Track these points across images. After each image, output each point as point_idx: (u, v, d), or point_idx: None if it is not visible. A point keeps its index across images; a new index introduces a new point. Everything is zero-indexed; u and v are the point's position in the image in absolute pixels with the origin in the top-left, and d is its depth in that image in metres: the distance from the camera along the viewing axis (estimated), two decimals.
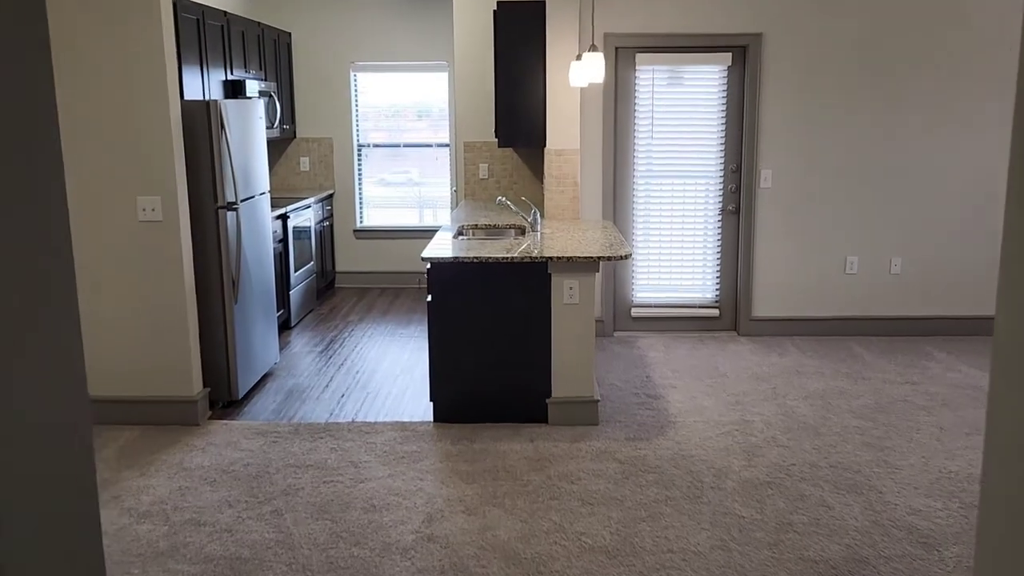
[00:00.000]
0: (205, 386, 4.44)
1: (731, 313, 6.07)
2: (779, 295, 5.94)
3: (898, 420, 4.34)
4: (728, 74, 5.76)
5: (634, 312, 6.07)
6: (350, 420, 4.43)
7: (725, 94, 5.79)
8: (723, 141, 5.85)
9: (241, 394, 4.62)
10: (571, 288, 4.19)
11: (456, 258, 4.11)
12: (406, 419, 4.42)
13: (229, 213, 4.43)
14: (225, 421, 4.39)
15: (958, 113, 5.68)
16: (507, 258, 4.10)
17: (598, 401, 4.33)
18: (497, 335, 4.25)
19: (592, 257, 4.09)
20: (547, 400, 4.31)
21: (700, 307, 6.08)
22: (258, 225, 4.91)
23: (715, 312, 6.06)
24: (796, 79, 5.67)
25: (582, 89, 5.53)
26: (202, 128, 4.27)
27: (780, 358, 5.45)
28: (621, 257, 4.09)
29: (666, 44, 5.68)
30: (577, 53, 5.11)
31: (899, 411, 4.46)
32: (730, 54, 5.70)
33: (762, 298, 5.95)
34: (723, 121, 5.82)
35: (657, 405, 4.61)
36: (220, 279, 4.41)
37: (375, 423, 4.37)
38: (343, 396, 4.80)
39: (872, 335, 5.93)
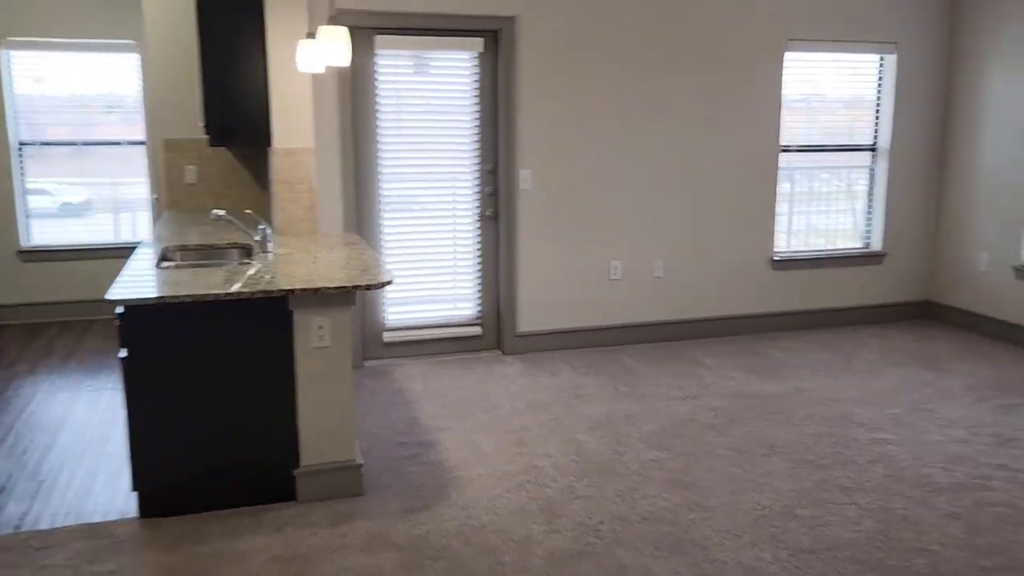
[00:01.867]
0: None
1: (494, 330, 5.46)
2: (544, 307, 5.43)
3: (692, 445, 3.94)
4: (480, 62, 5.11)
5: (386, 337, 5.24)
6: (12, 531, 3.15)
7: (478, 85, 5.13)
8: (477, 138, 5.19)
9: None
10: (321, 328, 3.26)
11: (160, 299, 3.01)
12: (98, 518, 3.23)
13: None
14: None
15: (720, 111, 5.52)
16: (232, 294, 3.08)
17: (361, 465, 3.45)
18: (222, 394, 3.21)
19: (346, 287, 3.19)
20: (294, 472, 3.35)
21: (461, 326, 5.40)
22: None
23: (477, 330, 5.41)
24: (554, 69, 5.16)
25: (314, 77, 4.58)
26: None
27: (553, 379, 4.91)
28: (381, 284, 3.24)
29: (409, 25, 4.90)
30: (307, 30, 4.16)
31: (690, 434, 4.08)
32: (481, 39, 5.05)
33: (527, 312, 5.40)
34: (476, 115, 5.16)
35: (430, 456, 3.83)
36: None
37: (51, 531, 3.13)
38: (2, 491, 3.47)
39: (639, 343, 5.63)
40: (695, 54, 5.40)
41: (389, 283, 3.22)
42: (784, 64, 5.60)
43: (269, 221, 4.66)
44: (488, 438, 4.04)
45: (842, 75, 5.91)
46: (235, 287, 3.11)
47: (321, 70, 4.08)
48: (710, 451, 3.88)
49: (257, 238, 3.86)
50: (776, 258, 5.86)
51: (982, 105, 5.75)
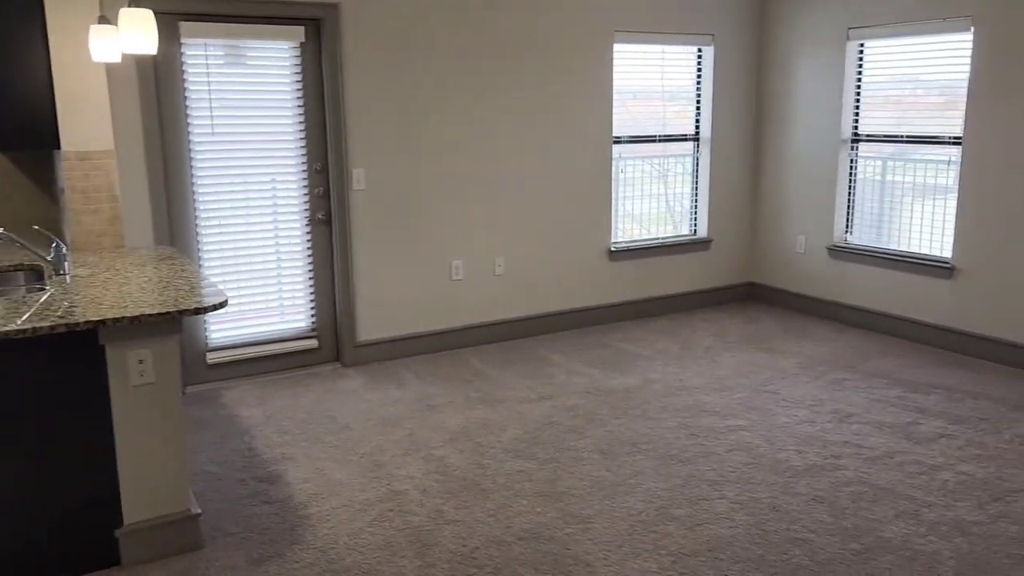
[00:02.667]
0: None
1: (332, 342, 5.07)
2: (384, 313, 5.11)
3: (556, 451, 3.80)
4: (302, 53, 4.69)
5: (211, 358, 4.72)
6: None
7: (300, 78, 4.71)
8: (303, 136, 4.78)
9: None
10: (141, 362, 2.79)
11: None
12: None
13: None
14: None
15: (552, 104, 5.41)
16: (25, 331, 2.55)
17: (198, 515, 3.01)
18: (19, 451, 2.67)
19: (171, 311, 2.74)
20: (117, 533, 2.86)
21: (294, 339, 4.97)
22: None
23: (313, 343, 5.01)
24: (383, 61, 4.83)
25: (111, 70, 3.99)
26: None
27: (401, 390, 4.62)
28: (214, 306, 2.81)
29: (219, 11, 4.39)
30: (98, 14, 3.58)
31: (551, 439, 3.94)
32: (302, 28, 4.64)
33: (366, 319, 5.06)
34: (301, 111, 4.74)
35: (277, 492, 3.43)
36: None
37: None
38: None
39: (485, 343, 5.45)
40: (524, 46, 5.27)
41: (224, 304, 2.80)
42: (613, 55, 5.60)
43: (63, 237, 4.02)
44: (339, 464, 3.69)
45: (667, 66, 6.01)
46: (30, 323, 2.58)
47: (118, 59, 3.53)
48: (575, 456, 3.76)
49: (50, 258, 3.27)
50: (613, 249, 5.88)
51: (791, 95, 6.05)
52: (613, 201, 5.85)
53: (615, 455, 3.76)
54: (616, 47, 5.63)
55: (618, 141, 5.81)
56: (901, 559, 2.87)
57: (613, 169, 5.79)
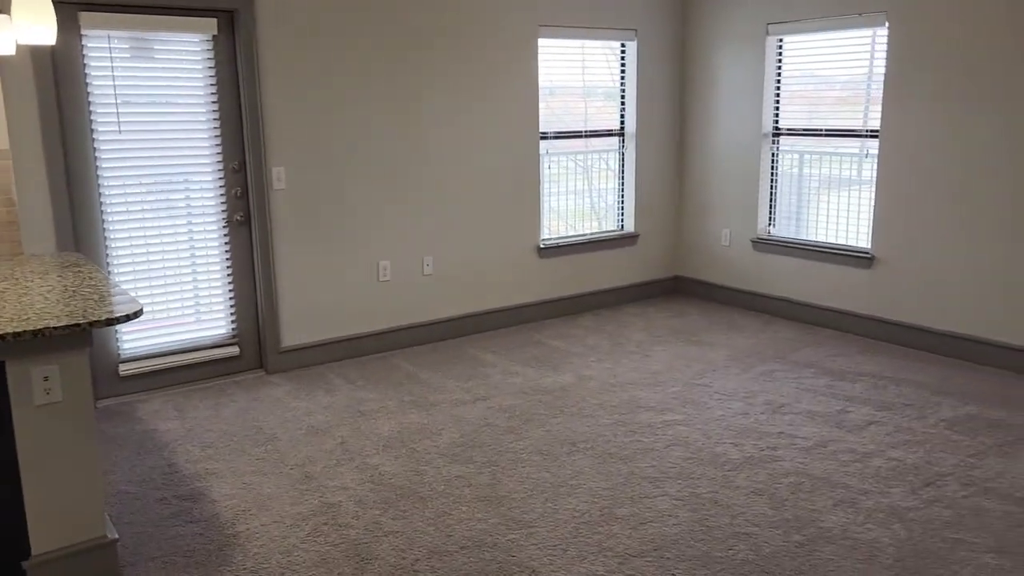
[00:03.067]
0: None
1: (255, 348, 4.86)
2: (310, 317, 4.92)
3: (494, 454, 3.71)
4: (215, 46, 4.46)
5: (123, 370, 4.45)
6: None
7: (214, 72, 4.48)
8: (218, 133, 4.55)
9: None
10: (47, 379, 2.57)
11: None
12: None
13: None
14: None
15: (478, 100, 5.30)
16: None
17: (116, 540, 2.80)
18: None
19: (80, 323, 2.53)
20: (25, 564, 2.63)
21: (214, 347, 4.74)
22: None
23: (234, 350, 4.78)
24: (301, 55, 4.64)
25: (3, 60, 3.70)
26: None
27: (330, 396, 4.45)
28: (127, 317, 2.61)
29: (121, 1, 4.13)
30: None
31: (489, 441, 3.85)
32: (214, 20, 4.41)
33: (291, 324, 4.86)
34: (215, 107, 4.51)
35: (201, 510, 3.23)
36: None
37: None
38: None
39: (416, 345, 5.31)
40: (449, 40, 5.15)
41: (139, 314, 2.61)
42: (538, 50, 5.53)
43: None
44: (268, 477, 3.52)
45: (592, 61, 5.98)
46: None
47: (11, 51, 3.26)
48: (514, 457, 3.67)
49: None
50: (542, 246, 5.82)
51: (714, 90, 6.11)
52: (542, 197, 5.80)
53: (554, 455, 3.69)
54: (541, 41, 5.57)
55: (545, 137, 5.75)
56: (843, 549, 2.89)
57: (541, 165, 5.73)
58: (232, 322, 4.77)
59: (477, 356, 5.11)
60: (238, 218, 4.66)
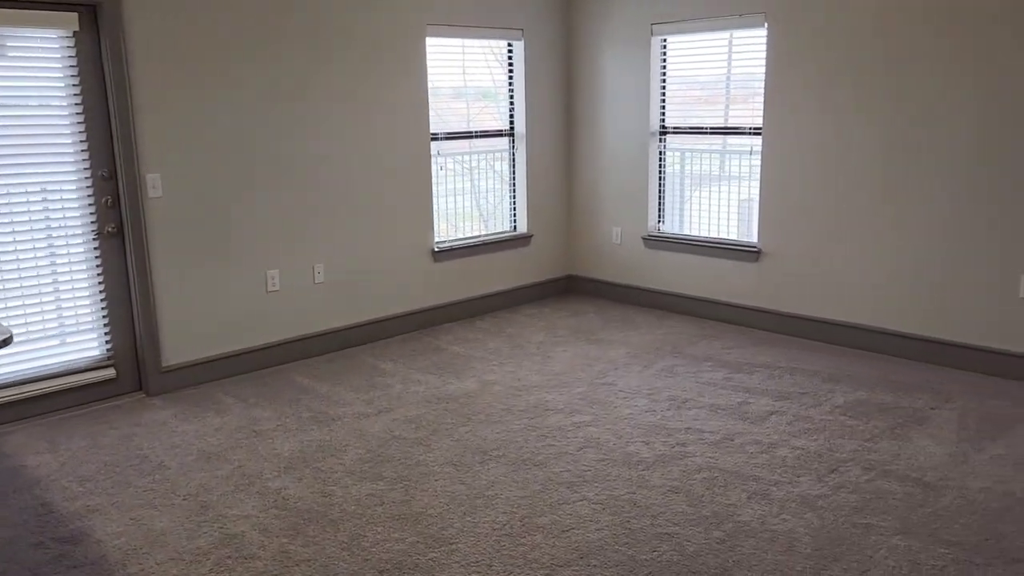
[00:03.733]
0: None
1: (132, 369, 4.50)
2: (194, 333, 4.61)
3: (405, 469, 3.57)
4: (77, 43, 4.09)
5: None
6: None
7: (77, 72, 4.11)
8: (84, 139, 4.17)
9: None
10: None
11: None
12: None
13: None
14: None
15: (367, 100, 5.10)
16: None
17: None
18: None
19: None
20: None
21: (87, 370, 4.36)
22: None
23: (110, 372, 4.41)
24: (175, 52, 4.32)
25: None
26: None
27: (221, 417, 4.17)
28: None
29: None
30: None
31: (397, 455, 3.70)
32: (75, 15, 4.04)
33: (173, 341, 4.54)
34: (79, 111, 4.14)
35: (84, 553, 2.93)
36: None
37: None
38: None
39: (309, 357, 5.08)
40: (335, 38, 4.94)
41: (8, 342, 2.32)
42: (426, 49, 5.40)
43: None
44: (159, 510, 3.24)
45: (480, 61, 5.89)
46: None
47: None
48: (426, 470, 3.54)
49: None
50: (436, 249, 5.69)
51: (601, 90, 6.15)
52: (434, 200, 5.67)
53: (467, 466, 3.58)
54: (429, 40, 5.44)
55: (436, 138, 5.63)
56: (762, 541, 2.92)
57: (432, 166, 5.60)
58: (107, 342, 4.40)
59: (376, 365, 4.93)
60: (110, 229, 4.30)
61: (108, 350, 4.42)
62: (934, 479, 3.36)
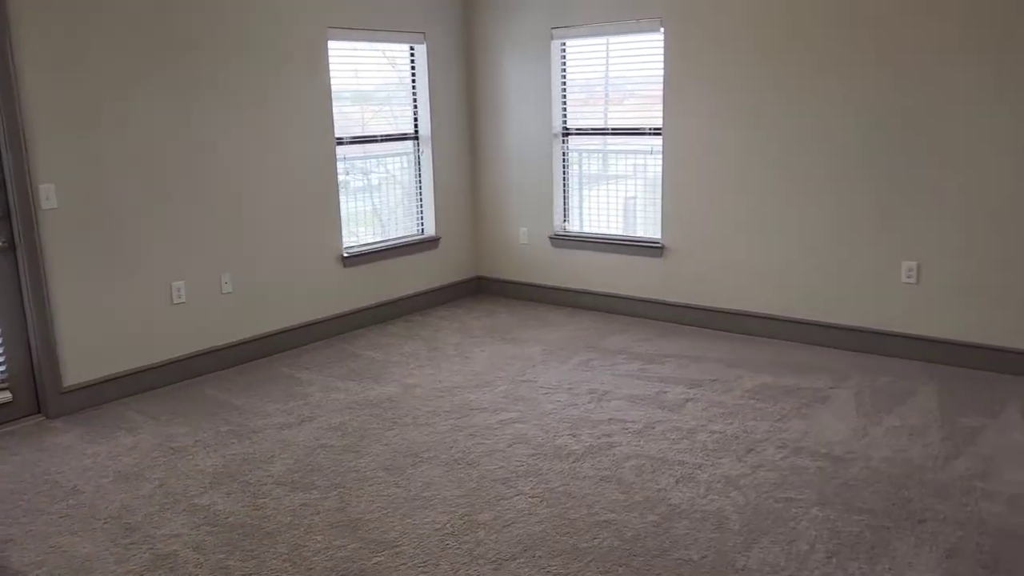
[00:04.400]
0: None
1: (30, 391, 4.25)
2: (96, 350, 4.39)
3: (337, 476, 3.53)
4: None
5: None
6: None
7: None
8: None
9: None
10: None
11: None
12: None
13: None
14: None
15: (269, 105, 4.99)
16: None
17: None
18: None
19: None
20: None
21: None
22: None
23: (6, 396, 4.15)
24: (69, 51, 4.11)
25: None
26: None
27: (133, 436, 4.00)
28: None
29: None
30: None
31: (328, 464, 3.65)
32: None
33: (74, 360, 4.31)
34: None
35: None
36: None
37: None
38: None
39: (221, 369, 4.92)
40: (232, 41, 4.81)
41: None
42: (328, 52, 5.33)
43: None
44: (80, 536, 3.09)
45: (385, 65, 5.87)
46: None
47: None
48: (359, 476, 3.52)
49: None
50: (346, 255, 5.63)
51: (503, 93, 6.24)
52: (342, 205, 5.60)
53: (400, 469, 3.58)
54: (331, 44, 5.37)
55: (341, 142, 5.57)
56: (695, 522, 3.06)
57: (338, 172, 5.54)
58: (0, 364, 4.13)
59: (292, 375, 4.84)
60: (0, 244, 4.05)
61: (2, 372, 4.15)
62: (841, 452, 3.60)
